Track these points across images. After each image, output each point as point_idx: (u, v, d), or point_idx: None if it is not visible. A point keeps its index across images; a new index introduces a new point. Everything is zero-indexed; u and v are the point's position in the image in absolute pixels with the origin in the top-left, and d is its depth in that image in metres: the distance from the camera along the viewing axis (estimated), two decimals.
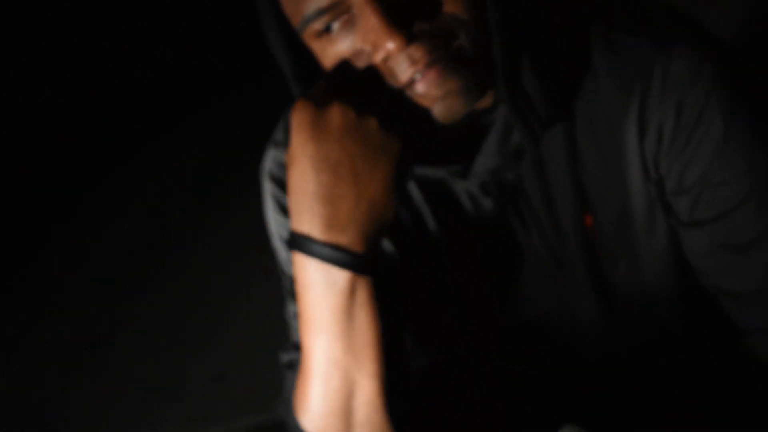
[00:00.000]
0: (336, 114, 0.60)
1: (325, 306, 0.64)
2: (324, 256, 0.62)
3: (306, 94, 0.62)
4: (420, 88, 0.59)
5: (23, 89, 3.12)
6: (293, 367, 0.77)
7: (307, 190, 0.61)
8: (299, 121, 0.61)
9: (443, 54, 0.58)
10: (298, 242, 0.63)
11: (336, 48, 0.60)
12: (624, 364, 0.79)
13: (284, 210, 0.77)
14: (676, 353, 0.79)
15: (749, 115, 0.67)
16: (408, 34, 0.56)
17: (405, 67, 0.58)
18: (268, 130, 0.82)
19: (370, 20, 0.55)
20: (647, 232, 0.72)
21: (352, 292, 0.64)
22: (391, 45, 0.55)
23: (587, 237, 0.72)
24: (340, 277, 0.63)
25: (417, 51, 0.57)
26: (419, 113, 0.62)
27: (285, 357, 0.79)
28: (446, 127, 0.64)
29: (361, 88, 0.61)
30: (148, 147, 3.06)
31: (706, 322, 0.75)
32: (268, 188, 0.79)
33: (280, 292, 0.82)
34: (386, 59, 0.58)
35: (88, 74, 3.25)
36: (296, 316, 0.76)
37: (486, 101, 0.67)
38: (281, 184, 0.77)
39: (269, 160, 0.79)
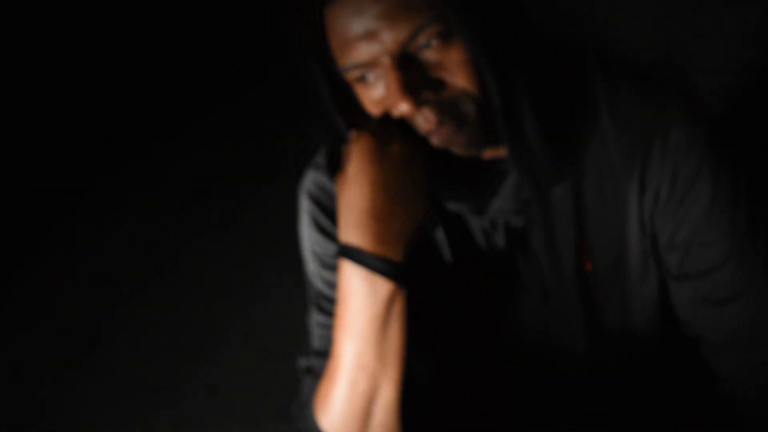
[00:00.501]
0: (392, 146, 0.72)
1: (366, 313, 0.72)
2: (373, 266, 0.71)
3: (365, 128, 0.74)
4: (434, 140, 0.72)
5: (23, 89, 3.12)
6: (312, 372, 0.84)
7: (362, 207, 0.71)
8: (361, 149, 0.72)
9: (450, 118, 0.70)
10: (348, 252, 0.72)
11: (370, 93, 0.71)
12: (607, 389, 0.87)
13: (319, 227, 0.86)
14: (656, 385, 0.88)
15: (732, 182, 0.76)
16: (419, 101, 0.68)
17: (421, 123, 0.71)
18: (270, 133, 0.85)
19: (390, 84, 0.67)
20: (640, 280, 0.81)
21: (391, 302, 0.72)
22: (404, 107, 0.67)
23: (584, 280, 0.81)
24: (383, 287, 0.72)
25: (428, 114, 0.69)
26: (449, 155, 0.74)
27: (304, 362, 0.86)
28: (469, 169, 0.76)
29: (406, 127, 0.72)
30: (145, 153, 3.06)
31: (685, 362, 0.85)
32: (305, 206, 0.87)
33: (276, 308, 0.86)
34: (405, 115, 0.70)
35: (88, 74, 3.26)
36: (319, 324, 0.85)
37: (504, 150, 0.77)
38: (319, 203, 0.86)
39: (309, 181, 0.87)
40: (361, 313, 0.72)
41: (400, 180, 0.72)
